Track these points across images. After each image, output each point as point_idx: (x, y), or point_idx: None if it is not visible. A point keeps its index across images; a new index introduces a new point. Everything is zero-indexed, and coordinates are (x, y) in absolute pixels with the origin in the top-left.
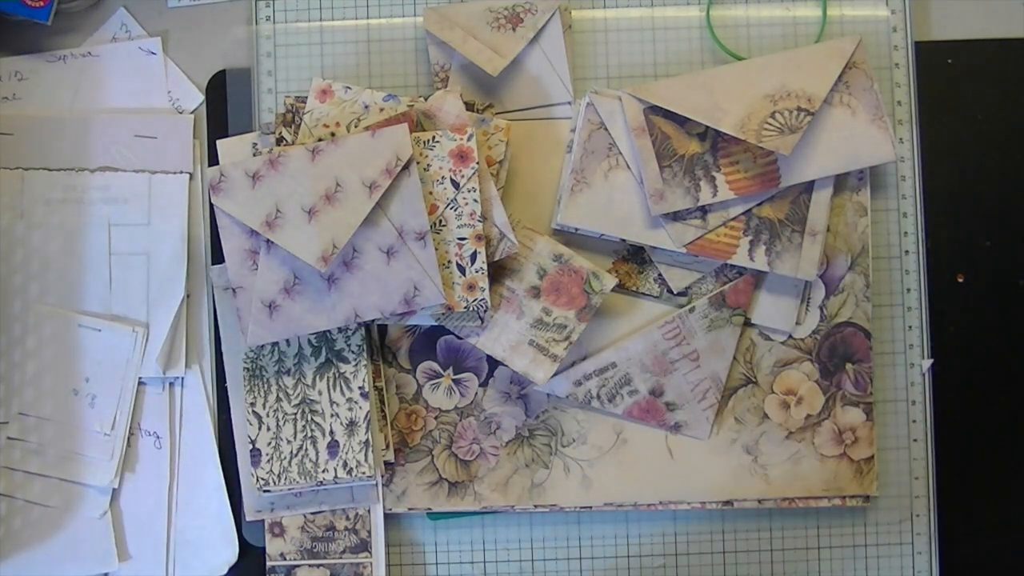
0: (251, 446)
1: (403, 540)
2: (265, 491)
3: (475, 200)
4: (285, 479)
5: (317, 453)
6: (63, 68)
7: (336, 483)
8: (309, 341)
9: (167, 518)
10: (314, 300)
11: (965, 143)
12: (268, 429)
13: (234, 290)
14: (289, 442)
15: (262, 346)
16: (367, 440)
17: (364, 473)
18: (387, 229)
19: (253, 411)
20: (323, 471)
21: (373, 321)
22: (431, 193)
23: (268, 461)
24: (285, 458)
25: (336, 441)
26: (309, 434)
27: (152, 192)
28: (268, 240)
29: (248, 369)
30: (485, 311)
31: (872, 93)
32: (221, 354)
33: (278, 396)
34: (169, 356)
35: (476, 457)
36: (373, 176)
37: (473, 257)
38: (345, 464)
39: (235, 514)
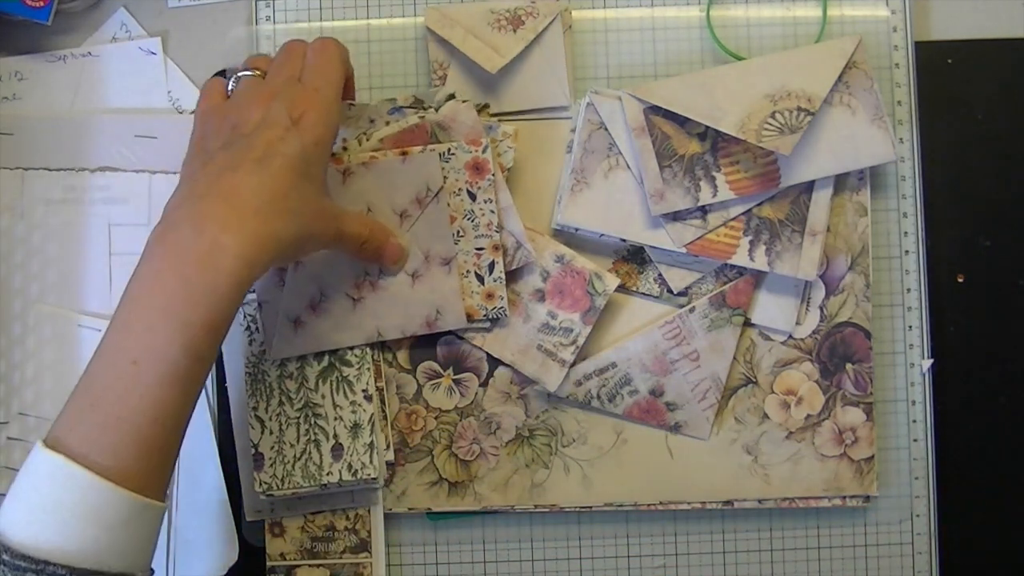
0: (254, 450)
1: (403, 540)
2: (268, 495)
3: (491, 211)
4: (288, 482)
5: (321, 456)
6: (63, 68)
7: (340, 486)
8: None
9: (167, 518)
10: (339, 318)
11: (965, 143)
12: (271, 433)
13: (260, 304)
14: (292, 445)
15: (263, 350)
16: (371, 442)
17: (369, 475)
18: (414, 253)
19: (255, 415)
20: (327, 474)
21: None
22: (448, 205)
23: (271, 465)
24: (288, 462)
25: (340, 444)
26: (313, 437)
27: (152, 192)
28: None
29: (250, 374)
30: (504, 316)
31: (872, 93)
32: (221, 354)
33: (280, 400)
34: None
35: (476, 457)
36: (403, 204)
37: (491, 267)
38: (350, 467)
39: (235, 514)
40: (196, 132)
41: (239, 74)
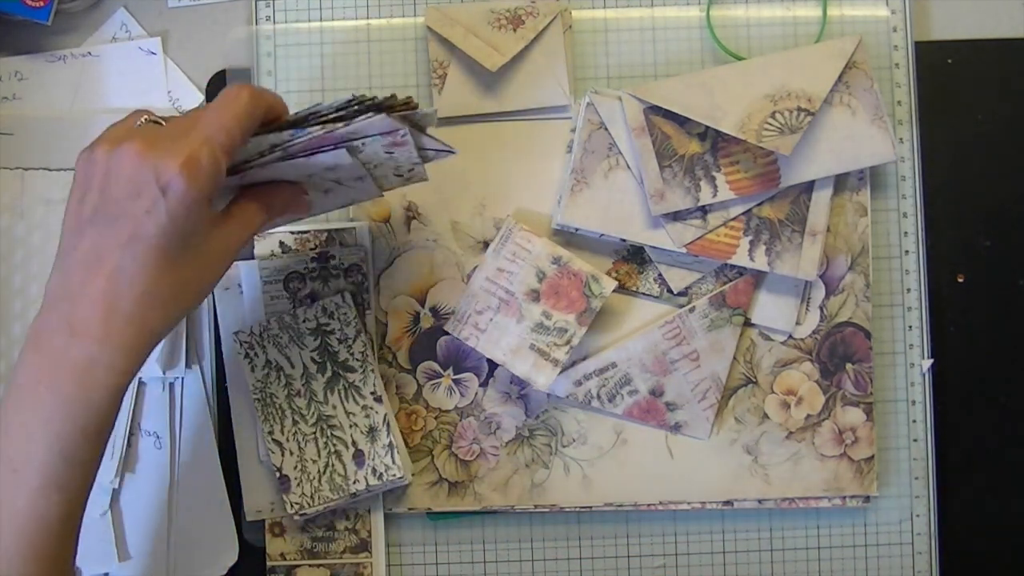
0: (278, 473)
1: (403, 540)
2: (302, 515)
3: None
4: (318, 498)
5: (344, 466)
6: (63, 68)
7: (369, 491)
8: (312, 359)
9: (167, 518)
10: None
11: (965, 143)
12: (291, 454)
13: None
14: (315, 461)
15: (267, 373)
16: (390, 442)
17: (395, 476)
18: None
19: (272, 439)
20: (354, 482)
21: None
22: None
23: (298, 485)
24: (314, 478)
25: (360, 450)
26: (333, 449)
27: None
28: None
29: (258, 399)
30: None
31: (872, 93)
32: (221, 354)
33: (294, 420)
34: (169, 356)
35: (476, 457)
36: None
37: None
38: (374, 471)
39: (235, 514)
40: (78, 171)
41: (145, 117)
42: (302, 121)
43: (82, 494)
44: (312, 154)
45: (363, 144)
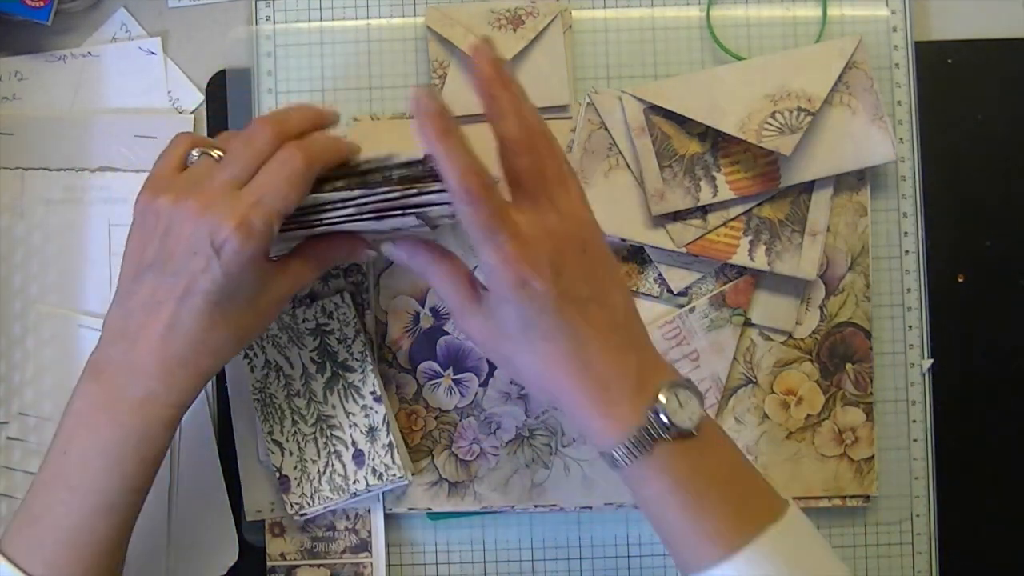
0: (278, 474)
1: (403, 540)
2: (302, 515)
3: None
4: (318, 499)
5: (344, 466)
6: (63, 68)
7: (369, 491)
8: (312, 359)
9: (167, 518)
10: None
11: (965, 143)
12: (291, 454)
13: None
14: (314, 462)
15: (267, 373)
16: (390, 442)
17: (395, 476)
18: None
19: (272, 439)
20: (354, 482)
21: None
22: None
23: (298, 485)
24: (314, 478)
25: (360, 450)
26: (332, 449)
27: None
28: None
29: (258, 400)
30: None
31: (872, 93)
32: None
33: (293, 420)
34: None
35: (476, 457)
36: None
37: None
38: (374, 471)
39: (235, 514)
40: (139, 215)
41: (197, 151)
42: (371, 181)
43: (134, 516)
44: (382, 217)
45: (431, 210)
